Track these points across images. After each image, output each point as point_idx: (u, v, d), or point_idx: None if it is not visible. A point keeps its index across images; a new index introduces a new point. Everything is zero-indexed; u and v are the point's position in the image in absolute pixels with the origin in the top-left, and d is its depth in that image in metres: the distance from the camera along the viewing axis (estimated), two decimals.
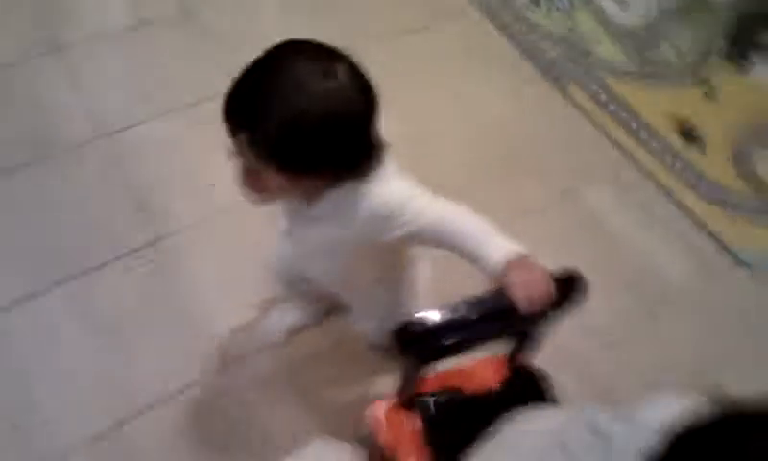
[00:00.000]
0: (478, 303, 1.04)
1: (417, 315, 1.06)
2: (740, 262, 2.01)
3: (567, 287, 1.04)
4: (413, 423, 1.24)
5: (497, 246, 1.02)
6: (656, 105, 2.12)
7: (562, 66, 2.17)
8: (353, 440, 1.44)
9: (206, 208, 1.96)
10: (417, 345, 1.07)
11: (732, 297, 1.98)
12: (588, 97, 2.12)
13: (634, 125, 2.08)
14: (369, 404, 1.32)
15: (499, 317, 1.04)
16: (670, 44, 2.17)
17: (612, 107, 2.09)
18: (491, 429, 1.04)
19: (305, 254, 1.27)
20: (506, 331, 1.14)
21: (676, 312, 1.95)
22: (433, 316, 1.05)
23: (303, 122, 0.98)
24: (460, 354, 1.12)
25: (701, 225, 2.06)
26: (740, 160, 2.09)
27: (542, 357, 1.28)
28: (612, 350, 1.84)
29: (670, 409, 0.77)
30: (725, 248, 2.02)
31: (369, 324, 1.48)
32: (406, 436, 1.24)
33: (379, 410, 1.29)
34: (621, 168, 2.16)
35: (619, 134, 2.08)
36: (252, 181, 1.07)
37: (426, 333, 1.05)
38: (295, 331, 1.71)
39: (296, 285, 1.59)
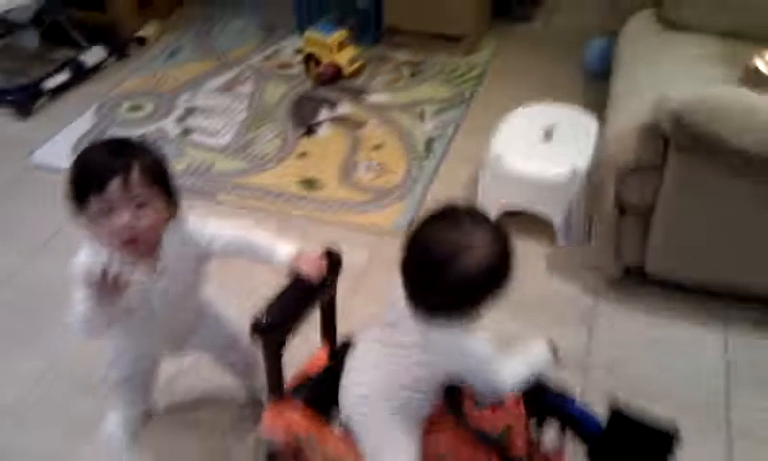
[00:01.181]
0: (290, 288, 1.38)
1: (256, 312, 1.32)
2: None
3: (330, 260, 1.43)
4: (297, 409, 1.44)
5: (282, 249, 1.42)
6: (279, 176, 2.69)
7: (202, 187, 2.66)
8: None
9: None
10: (270, 330, 1.33)
11: None
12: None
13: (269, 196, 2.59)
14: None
15: (306, 292, 1.40)
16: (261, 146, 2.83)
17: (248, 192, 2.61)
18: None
19: (178, 278, 1.46)
20: (314, 300, 1.44)
21: None
22: (271, 307, 1.33)
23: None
24: (297, 329, 1.39)
25: None
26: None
27: None
28: None
29: None
30: None
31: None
32: (301, 421, 1.43)
33: (268, 419, 1.47)
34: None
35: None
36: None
37: (273, 320, 1.33)
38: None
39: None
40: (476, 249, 1.16)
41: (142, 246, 1.35)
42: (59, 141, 2.84)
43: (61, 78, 3.12)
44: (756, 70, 1.93)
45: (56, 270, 2.19)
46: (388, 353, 1.32)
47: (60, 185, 2.73)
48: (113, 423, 1.77)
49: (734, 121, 1.60)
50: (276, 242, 1.45)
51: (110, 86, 3.20)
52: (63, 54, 3.27)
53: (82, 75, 3.21)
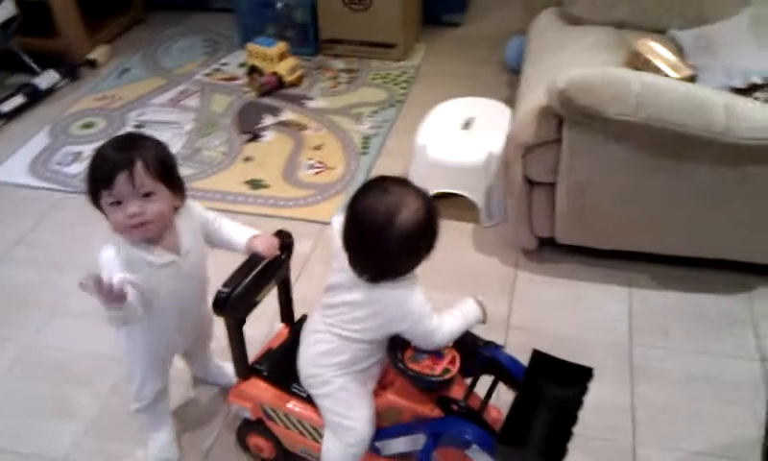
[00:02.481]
0: (246, 264, 1.54)
1: (219, 288, 1.48)
2: None
3: (283, 239, 1.61)
4: (261, 380, 1.63)
5: (241, 232, 1.61)
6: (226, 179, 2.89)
7: None
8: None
9: None
10: (228, 305, 1.48)
11: None
12: None
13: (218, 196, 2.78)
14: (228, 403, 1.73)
15: (261, 268, 1.55)
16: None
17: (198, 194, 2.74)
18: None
19: (198, 255, 1.59)
20: (270, 277, 1.59)
21: None
22: (229, 283, 1.48)
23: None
24: (256, 303, 1.58)
25: None
26: None
27: None
28: None
29: None
30: None
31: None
32: (265, 391, 1.62)
33: (235, 393, 1.67)
34: None
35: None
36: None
37: (230, 294, 1.47)
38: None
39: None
40: (407, 208, 1.31)
41: (155, 230, 1.46)
42: (16, 160, 3.00)
43: (17, 101, 3.28)
44: (637, 53, 2.20)
45: (19, 277, 2.38)
46: (332, 313, 1.47)
47: (19, 200, 2.92)
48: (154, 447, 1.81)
49: (604, 95, 1.85)
50: (237, 228, 1.62)
51: (64, 107, 3.37)
52: (18, 79, 3.45)
53: (36, 98, 3.36)
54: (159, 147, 1.48)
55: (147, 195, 1.41)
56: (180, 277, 1.53)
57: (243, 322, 1.55)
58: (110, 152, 1.43)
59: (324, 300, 1.51)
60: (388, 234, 1.31)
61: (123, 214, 1.41)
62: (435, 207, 1.38)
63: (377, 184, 1.38)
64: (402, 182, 1.38)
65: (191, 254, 1.54)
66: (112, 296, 1.35)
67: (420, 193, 1.36)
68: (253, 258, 1.55)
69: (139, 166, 1.40)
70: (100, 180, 1.41)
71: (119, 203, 1.40)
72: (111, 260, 1.44)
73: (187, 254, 1.53)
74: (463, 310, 1.49)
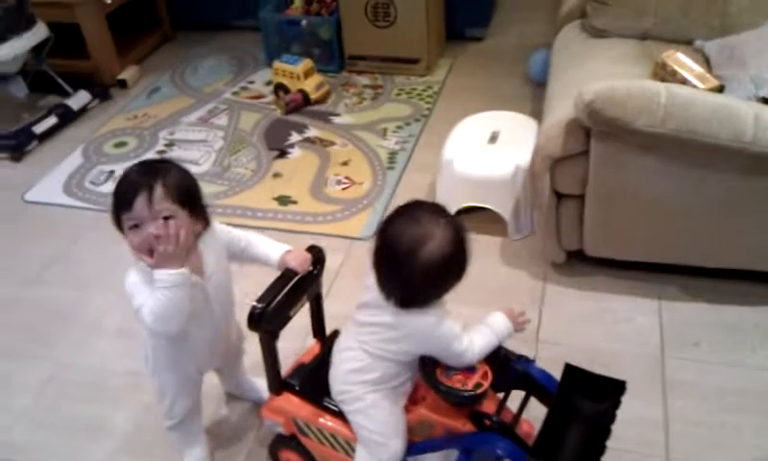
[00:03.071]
0: (279, 280, 1.56)
1: (253, 303, 1.50)
2: None
3: (315, 255, 1.64)
4: (293, 395, 1.65)
5: (274, 248, 1.63)
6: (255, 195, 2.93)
7: None
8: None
9: None
10: (263, 320, 1.50)
11: None
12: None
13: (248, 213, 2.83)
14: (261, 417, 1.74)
15: (294, 283, 1.57)
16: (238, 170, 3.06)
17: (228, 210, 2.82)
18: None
19: (222, 276, 1.61)
20: (302, 292, 1.62)
21: None
22: (263, 298, 1.51)
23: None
24: (289, 318, 1.59)
25: None
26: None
27: None
28: None
29: None
30: None
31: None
32: (297, 406, 1.64)
33: (267, 408, 1.69)
34: None
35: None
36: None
37: (266, 309, 1.50)
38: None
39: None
40: (433, 241, 1.32)
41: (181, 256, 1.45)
42: (50, 180, 3.06)
43: (50, 122, 3.35)
44: (664, 64, 2.20)
45: (54, 296, 2.43)
46: (364, 332, 1.48)
47: (54, 219, 2.98)
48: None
49: (631, 106, 1.85)
50: (269, 243, 1.65)
51: (96, 127, 3.44)
52: (50, 100, 3.53)
53: (68, 119, 3.45)
54: (182, 172, 1.50)
55: (166, 218, 1.42)
56: (204, 298, 1.55)
57: (276, 337, 1.57)
58: (132, 175, 1.45)
59: (356, 316, 1.53)
60: (411, 265, 1.33)
61: (140, 238, 1.42)
62: (464, 239, 1.37)
63: (409, 211, 1.39)
64: (435, 211, 1.38)
65: (215, 275, 1.56)
66: (177, 247, 1.40)
67: (451, 224, 1.36)
68: (287, 274, 1.57)
69: (159, 190, 1.42)
70: (120, 202, 1.43)
71: (138, 226, 1.42)
72: (137, 285, 1.47)
73: (211, 277, 1.55)
74: (492, 326, 1.49)
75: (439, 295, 1.40)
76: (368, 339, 1.48)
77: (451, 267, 1.36)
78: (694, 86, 2.13)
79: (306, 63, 3.46)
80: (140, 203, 1.41)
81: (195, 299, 1.51)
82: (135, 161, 1.53)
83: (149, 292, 1.44)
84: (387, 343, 1.45)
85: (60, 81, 3.55)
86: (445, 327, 1.40)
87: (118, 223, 1.45)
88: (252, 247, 1.64)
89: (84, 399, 2.07)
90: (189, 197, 1.48)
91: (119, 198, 1.44)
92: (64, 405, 2.06)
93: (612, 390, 1.44)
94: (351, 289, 2.28)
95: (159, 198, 1.41)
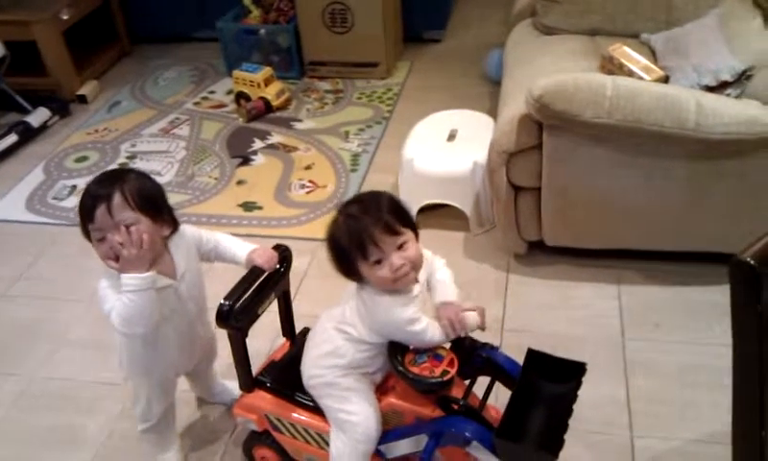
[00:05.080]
0: (247, 278, 1.59)
1: (221, 301, 1.53)
2: None
3: (281, 253, 1.67)
4: (264, 393, 1.67)
5: (241, 247, 1.67)
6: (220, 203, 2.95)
7: None
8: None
9: None
10: (231, 317, 1.53)
11: None
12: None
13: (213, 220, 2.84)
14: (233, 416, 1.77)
15: (261, 281, 1.61)
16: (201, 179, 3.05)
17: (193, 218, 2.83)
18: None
19: (194, 277, 1.63)
20: (270, 289, 1.64)
21: None
22: (230, 296, 1.53)
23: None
24: (257, 316, 1.62)
25: None
26: None
27: None
28: None
29: None
30: None
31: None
32: (269, 402, 1.67)
33: (239, 405, 1.72)
34: None
35: None
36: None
37: (233, 306, 1.53)
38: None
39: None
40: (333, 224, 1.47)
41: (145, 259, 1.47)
42: (12, 197, 3.05)
43: (10, 140, 3.33)
44: (611, 58, 2.28)
45: (21, 311, 2.42)
46: (338, 313, 1.55)
47: (17, 236, 2.96)
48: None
49: (579, 99, 1.93)
50: (236, 242, 1.69)
51: (57, 143, 3.42)
52: (10, 118, 3.51)
53: (29, 136, 3.42)
54: (141, 180, 1.52)
55: (128, 227, 1.44)
56: (177, 299, 1.58)
57: (245, 334, 1.60)
58: (93, 187, 1.48)
59: (329, 311, 1.60)
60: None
61: (107, 246, 1.45)
62: (336, 223, 1.48)
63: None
64: (351, 200, 1.51)
65: (187, 275, 1.60)
66: (140, 251, 1.43)
67: (338, 210, 1.50)
68: (254, 271, 1.61)
69: (117, 199, 1.44)
70: (83, 215, 1.46)
71: (104, 238, 1.45)
72: (107, 289, 1.49)
73: (183, 277, 1.58)
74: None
75: (355, 270, 1.46)
76: (340, 318, 1.54)
77: (333, 246, 1.48)
78: (640, 78, 2.22)
79: (266, 71, 3.49)
80: (101, 214, 1.44)
81: (167, 300, 1.54)
82: (99, 172, 1.55)
83: (117, 296, 1.46)
84: (354, 318, 1.51)
85: (18, 98, 3.53)
86: (399, 310, 1.46)
87: (87, 235, 1.48)
88: (220, 246, 1.68)
89: (56, 410, 2.07)
90: (151, 203, 1.50)
91: (82, 211, 1.47)
92: (36, 418, 2.06)
93: (574, 372, 1.50)
94: (319, 290, 2.33)
95: (119, 207, 1.44)
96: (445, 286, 1.58)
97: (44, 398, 2.12)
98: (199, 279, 1.66)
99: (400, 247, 1.43)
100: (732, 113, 1.91)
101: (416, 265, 1.46)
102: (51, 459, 1.94)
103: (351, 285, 1.53)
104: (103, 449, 1.95)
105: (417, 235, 1.49)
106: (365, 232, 1.41)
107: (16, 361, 2.25)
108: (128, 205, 1.45)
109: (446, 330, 1.50)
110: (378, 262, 1.43)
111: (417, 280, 1.50)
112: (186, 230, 1.64)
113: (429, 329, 1.49)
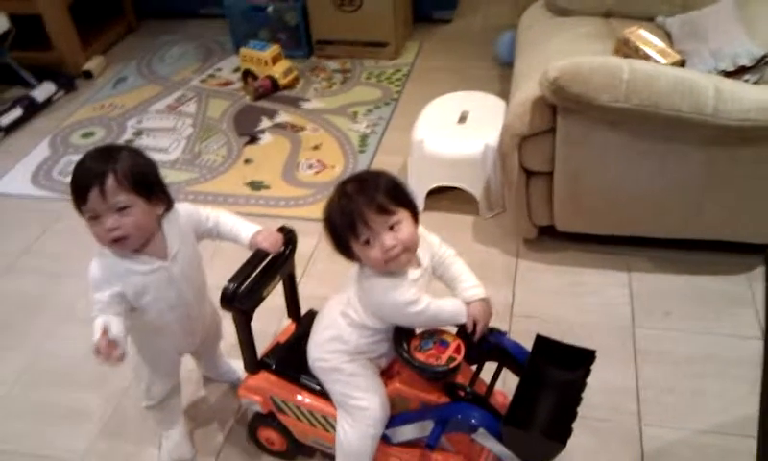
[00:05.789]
0: (251, 260, 1.57)
1: (225, 284, 1.51)
2: None
3: (286, 235, 1.64)
4: (269, 375, 1.67)
5: (245, 228, 1.62)
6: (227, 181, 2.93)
7: None
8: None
9: None
10: (236, 299, 1.51)
11: None
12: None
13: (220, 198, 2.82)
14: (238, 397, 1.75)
15: (266, 263, 1.58)
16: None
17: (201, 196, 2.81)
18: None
19: (188, 258, 1.58)
20: (275, 272, 1.62)
21: None
22: (235, 278, 1.52)
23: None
24: (262, 298, 1.59)
25: None
26: None
27: None
28: None
29: None
30: None
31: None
32: (274, 384, 1.66)
33: (244, 387, 1.70)
34: None
35: None
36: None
37: (237, 288, 1.51)
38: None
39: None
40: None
41: (134, 242, 1.46)
42: (18, 172, 3.03)
43: (15, 114, 3.31)
44: (627, 41, 2.24)
45: (25, 286, 2.41)
46: (344, 298, 1.53)
47: (23, 211, 2.95)
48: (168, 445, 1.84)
49: (595, 82, 1.88)
50: (240, 222, 1.63)
51: (62, 118, 3.40)
52: (15, 93, 3.48)
53: (34, 110, 3.40)
54: (135, 158, 1.47)
55: (122, 209, 1.41)
56: (171, 280, 1.54)
57: (251, 317, 1.58)
58: (85, 165, 1.44)
59: (335, 296, 1.58)
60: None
61: (101, 228, 1.42)
62: (331, 201, 1.45)
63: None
64: (350, 178, 1.47)
65: (180, 255, 1.55)
66: (114, 356, 1.41)
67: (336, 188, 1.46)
68: (258, 254, 1.58)
69: (110, 181, 1.40)
70: (76, 194, 1.42)
71: (96, 217, 1.41)
72: (97, 278, 1.47)
73: (175, 258, 1.54)
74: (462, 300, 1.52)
75: (350, 251, 1.44)
76: (345, 302, 1.52)
77: (328, 225, 1.46)
78: (656, 62, 2.17)
79: (274, 49, 3.45)
80: (94, 196, 1.39)
81: (158, 281, 1.51)
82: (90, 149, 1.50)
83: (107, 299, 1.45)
84: (359, 301, 1.49)
85: (23, 73, 3.50)
86: (398, 293, 1.43)
87: (79, 210, 1.44)
88: (222, 226, 1.63)
89: (61, 386, 2.06)
90: (145, 183, 1.46)
91: (75, 190, 1.43)
92: (40, 394, 2.05)
93: (583, 359, 1.48)
94: (326, 271, 2.31)
95: (113, 190, 1.40)
96: (471, 279, 1.54)
97: (49, 373, 2.11)
98: (195, 259, 1.62)
99: (392, 227, 1.40)
100: (752, 99, 1.87)
101: (408, 247, 1.42)
102: (56, 434, 1.94)
103: (354, 268, 1.51)
104: (108, 425, 1.94)
105: (416, 217, 1.45)
106: (356, 211, 1.38)
107: (20, 336, 2.24)
108: (122, 187, 1.41)
109: (469, 326, 1.48)
110: (368, 242, 1.40)
111: (419, 264, 1.47)
112: (181, 208, 1.59)
113: (431, 308, 1.46)
